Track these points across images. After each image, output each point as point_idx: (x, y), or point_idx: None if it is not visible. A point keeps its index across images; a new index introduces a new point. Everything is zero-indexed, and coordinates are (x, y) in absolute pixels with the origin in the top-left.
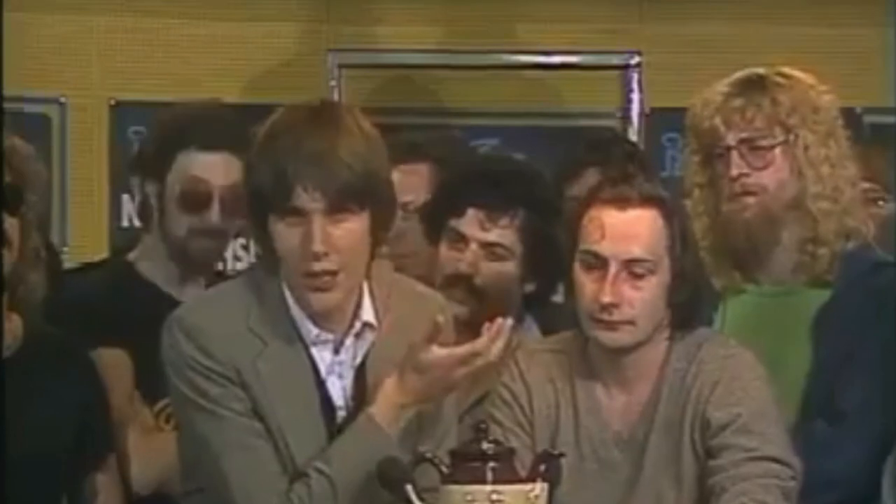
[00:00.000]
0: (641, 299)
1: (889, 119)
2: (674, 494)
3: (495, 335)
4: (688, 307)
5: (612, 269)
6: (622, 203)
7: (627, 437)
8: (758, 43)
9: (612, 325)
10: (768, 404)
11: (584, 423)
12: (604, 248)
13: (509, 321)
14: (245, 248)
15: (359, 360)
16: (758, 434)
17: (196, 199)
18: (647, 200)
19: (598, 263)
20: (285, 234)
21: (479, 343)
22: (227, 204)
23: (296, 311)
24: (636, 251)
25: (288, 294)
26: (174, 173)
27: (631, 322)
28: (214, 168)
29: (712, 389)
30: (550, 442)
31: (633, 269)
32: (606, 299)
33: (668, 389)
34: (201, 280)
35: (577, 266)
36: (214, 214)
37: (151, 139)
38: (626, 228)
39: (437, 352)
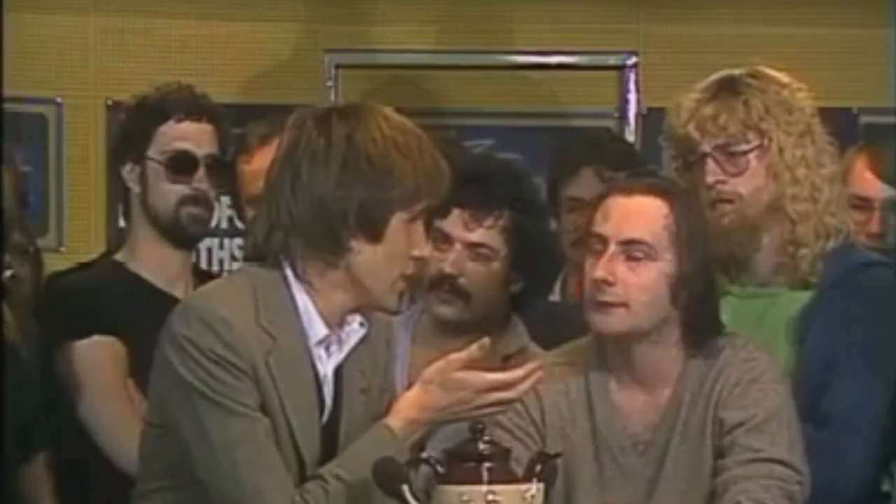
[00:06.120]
0: (638, 284)
1: (888, 119)
2: (695, 496)
3: (528, 374)
4: (700, 313)
5: (611, 248)
6: (629, 190)
7: (647, 441)
8: (755, 43)
9: (604, 307)
10: (783, 407)
11: (603, 433)
12: (605, 229)
13: (541, 373)
14: (242, 248)
15: (340, 361)
16: (768, 435)
17: (184, 164)
18: (653, 189)
19: (600, 245)
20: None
21: (513, 374)
22: (211, 171)
23: (307, 310)
24: (633, 232)
25: (298, 293)
26: (156, 146)
27: (624, 304)
28: (196, 137)
29: (731, 392)
30: (566, 457)
31: (631, 252)
32: (599, 274)
33: (689, 395)
34: (190, 278)
35: (587, 256)
36: (202, 181)
37: (130, 119)
38: (628, 211)
39: (470, 374)
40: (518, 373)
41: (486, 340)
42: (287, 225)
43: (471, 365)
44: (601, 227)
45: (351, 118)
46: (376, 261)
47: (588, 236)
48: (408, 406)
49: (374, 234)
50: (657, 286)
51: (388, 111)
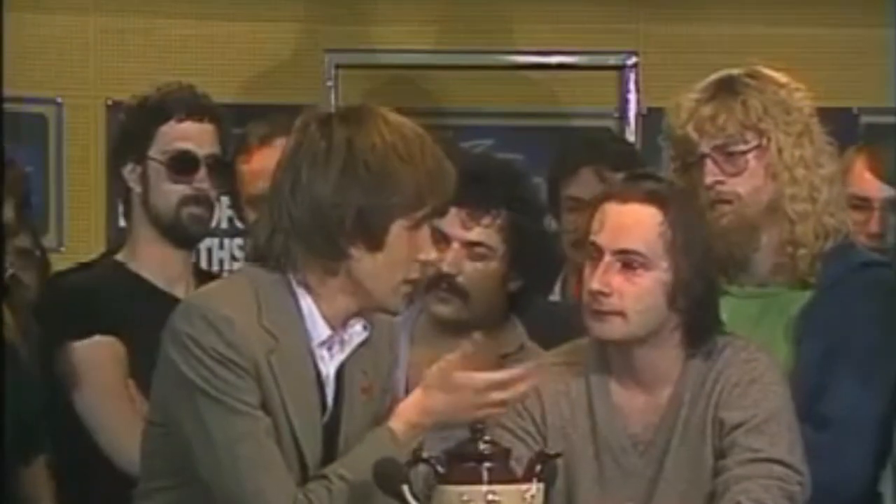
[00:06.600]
0: (634, 293)
1: (888, 119)
2: (695, 496)
3: (526, 375)
4: (700, 315)
5: (606, 258)
6: (625, 197)
7: (647, 441)
8: (755, 43)
9: (600, 315)
10: (783, 408)
11: (603, 432)
12: (600, 238)
13: (538, 374)
14: (242, 248)
15: (342, 361)
16: (767, 436)
17: (185, 164)
18: (649, 197)
19: (596, 253)
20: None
21: (511, 374)
22: (212, 171)
23: (310, 312)
24: (626, 243)
25: (301, 295)
26: (157, 146)
27: (620, 313)
28: (198, 137)
29: (731, 392)
30: (567, 456)
31: (626, 261)
32: (594, 286)
33: (689, 395)
34: (191, 278)
35: (586, 261)
36: (203, 181)
37: (131, 118)
38: (622, 220)
39: (469, 374)
40: (515, 372)
41: (477, 335)
42: (287, 228)
43: (469, 365)
44: (596, 237)
45: (352, 122)
46: (377, 268)
47: (586, 241)
48: (410, 410)
49: (374, 241)
50: (653, 294)
51: (392, 115)
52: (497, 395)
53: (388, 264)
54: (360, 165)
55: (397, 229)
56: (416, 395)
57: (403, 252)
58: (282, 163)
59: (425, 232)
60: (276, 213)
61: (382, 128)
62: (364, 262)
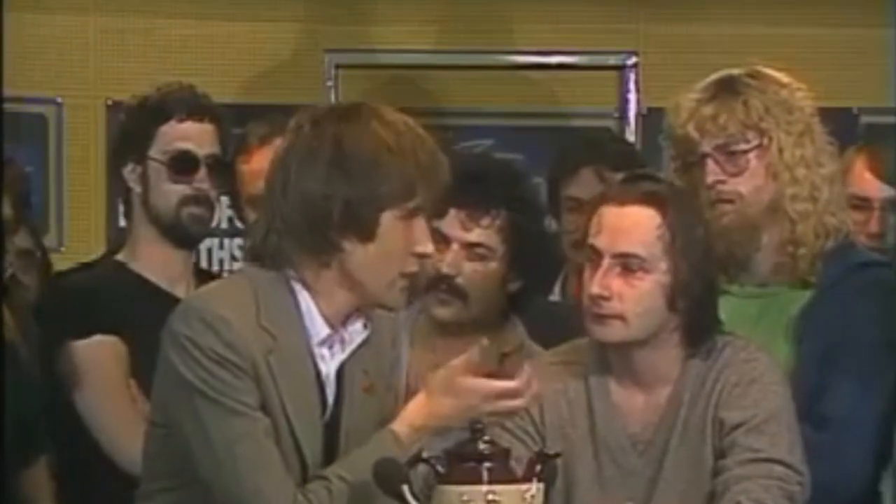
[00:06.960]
0: (633, 296)
1: (888, 119)
2: (695, 496)
3: (532, 381)
4: (699, 314)
5: (605, 261)
6: (622, 199)
7: (646, 441)
8: (755, 43)
9: (601, 319)
10: (783, 408)
11: (602, 432)
12: (599, 241)
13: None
14: (242, 248)
15: (343, 360)
16: (767, 436)
17: (185, 164)
18: (647, 199)
19: (595, 257)
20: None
21: (519, 382)
22: (212, 171)
23: (309, 311)
24: (625, 246)
25: (299, 293)
26: (157, 146)
27: (620, 317)
28: (198, 137)
29: (731, 392)
30: (566, 456)
31: (626, 264)
32: (594, 290)
33: (689, 395)
34: (192, 278)
35: (586, 264)
36: (203, 181)
37: (131, 118)
38: (621, 223)
39: (477, 381)
40: (522, 381)
41: (484, 342)
42: (280, 228)
43: (472, 368)
44: (595, 240)
45: (344, 118)
46: (370, 260)
47: (586, 242)
48: (414, 413)
49: (364, 232)
50: (653, 297)
51: (388, 111)
52: (504, 404)
53: (381, 256)
54: (347, 157)
55: (389, 220)
56: (420, 399)
57: (398, 244)
58: (275, 162)
59: (421, 224)
60: (270, 213)
61: (374, 122)
62: (356, 254)
